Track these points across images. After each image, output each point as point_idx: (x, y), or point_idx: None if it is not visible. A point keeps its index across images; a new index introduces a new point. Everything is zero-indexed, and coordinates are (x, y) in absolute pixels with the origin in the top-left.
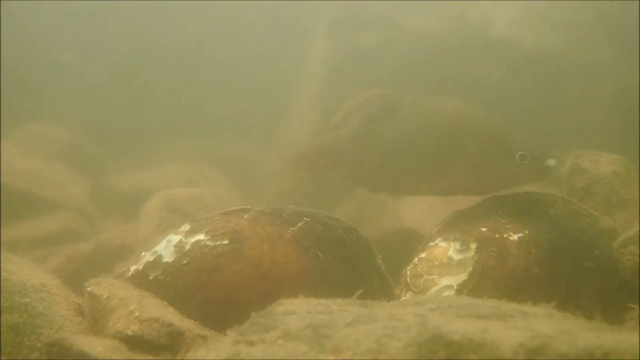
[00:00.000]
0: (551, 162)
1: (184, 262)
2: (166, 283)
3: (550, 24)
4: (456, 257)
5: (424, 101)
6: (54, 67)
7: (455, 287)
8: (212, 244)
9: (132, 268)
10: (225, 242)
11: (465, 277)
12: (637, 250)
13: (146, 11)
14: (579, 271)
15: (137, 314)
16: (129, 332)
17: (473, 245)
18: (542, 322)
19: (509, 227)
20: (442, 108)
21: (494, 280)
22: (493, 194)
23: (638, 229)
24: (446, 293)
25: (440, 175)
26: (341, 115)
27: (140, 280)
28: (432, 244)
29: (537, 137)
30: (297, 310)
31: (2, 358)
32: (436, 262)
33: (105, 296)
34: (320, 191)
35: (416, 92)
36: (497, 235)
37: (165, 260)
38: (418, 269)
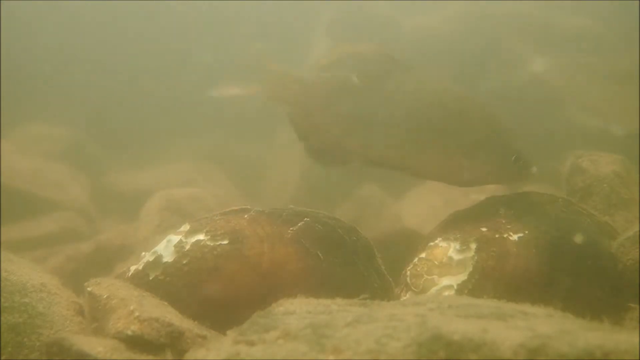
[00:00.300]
0: (535, 169)
1: (184, 262)
2: (166, 283)
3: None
4: (456, 257)
5: (426, 77)
6: (55, 67)
7: (455, 287)
8: (212, 244)
9: (132, 268)
10: (225, 242)
11: (465, 277)
12: (637, 250)
13: (146, 11)
14: (578, 271)
15: (137, 314)
16: (129, 332)
17: (473, 245)
18: (542, 322)
19: (509, 227)
20: (448, 90)
21: (494, 280)
22: (471, 186)
23: (638, 229)
24: (446, 293)
25: (427, 157)
26: (333, 58)
27: (140, 280)
28: (432, 244)
29: (533, 139)
30: (297, 310)
31: (2, 358)
32: (436, 262)
33: (105, 296)
34: (320, 191)
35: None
36: (497, 235)
37: (165, 260)
38: (418, 269)
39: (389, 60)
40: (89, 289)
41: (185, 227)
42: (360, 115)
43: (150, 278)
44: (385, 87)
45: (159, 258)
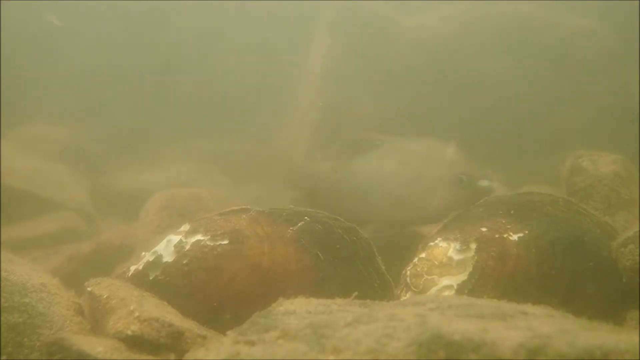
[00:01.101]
0: (483, 182)
1: (184, 262)
2: (166, 283)
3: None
4: (456, 257)
5: (398, 145)
6: (54, 66)
7: (455, 287)
8: (212, 244)
9: (132, 268)
10: (225, 242)
11: (465, 277)
12: (637, 250)
13: (146, 10)
14: (578, 271)
15: (137, 314)
16: (129, 332)
17: (473, 245)
18: (542, 322)
19: (509, 227)
20: (406, 152)
21: (494, 280)
22: (441, 220)
23: (638, 229)
24: (446, 293)
25: (398, 211)
26: (333, 149)
27: (140, 280)
28: (432, 244)
29: (536, 138)
30: (297, 310)
31: (2, 358)
32: (436, 262)
33: (105, 296)
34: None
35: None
36: (497, 235)
37: (165, 260)
38: (418, 269)
39: (370, 141)
40: (89, 289)
41: (185, 227)
42: (349, 190)
43: (150, 278)
44: (365, 165)
45: (159, 258)
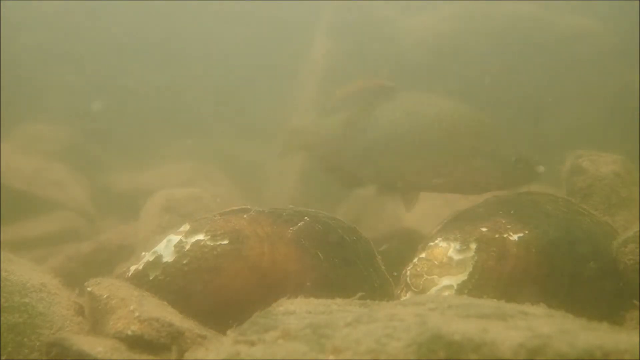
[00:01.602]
0: (541, 168)
1: (184, 262)
2: (166, 283)
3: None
4: (456, 257)
5: (422, 98)
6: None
7: (455, 287)
8: (212, 244)
9: (132, 268)
10: (225, 242)
11: (465, 277)
12: (638, 250)
13: (145, 10)
14: (579, 271)
15: (137, 314)
16: (129, 332)
17: (473, 245)
18: (542, 322)
19: (509, 227)
20: (438, 106)
21: (494, 280)
22: (483, 193)
23: (638, 229)
24: (446, 293)
25: (431, 173)
26: (338, 98)
27: (140, 280)
28: (432, 244)
29: (533, 138)
30: (297, 310)
31: (2, 358)
32: (436, 262)
33: (105, 296)
34: (320, 191)
35: (415, 89)
36: (497, 235)
37: (165, 260)
38: (418, 269)
39: (387, 89)
40: (89, 289)
41: (185, 227)
42: (363, 147)
43: (150, 278)
44: (384, 118)
45: (159, 258)
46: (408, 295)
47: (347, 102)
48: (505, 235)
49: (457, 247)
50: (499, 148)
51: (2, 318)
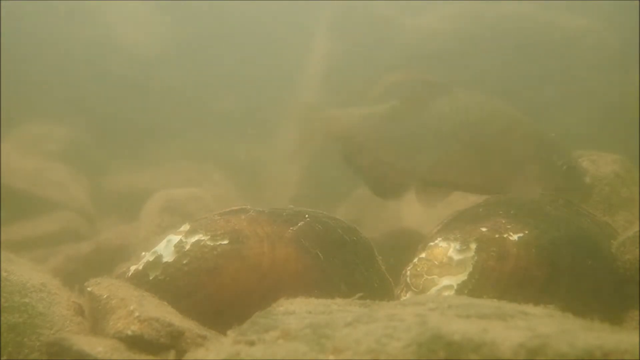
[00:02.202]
0: (588, 179)
1: (184, 262)
2: (166, 283)
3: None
4: (456, 257)
5: (475, 97)
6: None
7: (455, 287)
8: (212, 244)
9: (132, 268)
10: (225, 242)
11: (465, 277)
12: (637, 250)
13: (144, 10)
14: (578, 271)
15: (137, 314)
16: (129, 332)
17: (473, 245)
18: (542, 322)
19: (509, 227)
20: (493, 107)
21: (494, 280)
22: (526, 194)
23: (638, 229)
24: (446, 293)
25: (480, 174)
26: (378, 91)
27: (140, 280)
28: (432, 244)
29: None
30: (297, 310)
31: (2, 358)
32: (436, 262)
33: (105, 296)
34: (320, 191)
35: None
36: (497, 235)
37: (165, 260)
38: (418, 269)
39: (432, 85)
40: (89, 289)
41: (185, 227)
42: (412, 140)
43: (150, 278)
44: (433, 111)
45: (159, 258)
46: (408, 295)
47: (390, 93)
48: (505, 235)
49: (457, 247)
50: (550, 155)
51: (2, 318)
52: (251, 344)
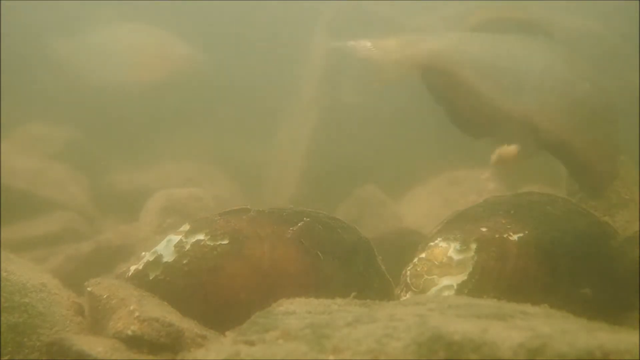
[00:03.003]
0: (619, 172)
1: (184, 262)
2: (166, 283)
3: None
4: (456, 257)
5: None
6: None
7: (455, 287)
8: (212, 244)
9: (132, 268)
10: (225, 242)
11: (465, 277)
12: (637, 250)
13: (144, 10)
14: (578, 271)
15: (137, 314)
16: (129, 332)
17: (473, 245)
18: (542, 322)
19: (509, 227)
20: (594, 73)
21: (494, 280)
22: (603, 186)
23: (638, 229)
24: (446, 293)
25: (590, 139)
26: (474, 23)
27: (140, 280)
28: (432, 244)
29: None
30: (297, 310)
31: (2, 358)
32: (436, 262)
33: (105, 296)
34: (320, 191)
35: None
36: (497, 235)
37: (165, 260)
38: (418, 269)
39: (531, 24)
40: (89, 289)
41: (185, 227)
42: (522, 78)
43: (150, 278)
44: (538, 52)
45: (159, 258)
46: (408, 295)
47: (486, 27)
48: (505, 235)
49: (457, 247)
50: (614, 137)
51: (2, 318)
52: (251, 344)
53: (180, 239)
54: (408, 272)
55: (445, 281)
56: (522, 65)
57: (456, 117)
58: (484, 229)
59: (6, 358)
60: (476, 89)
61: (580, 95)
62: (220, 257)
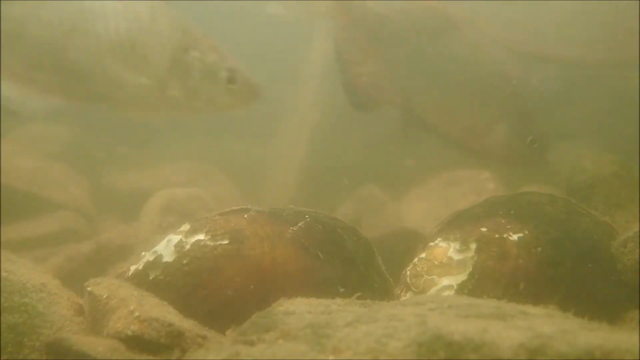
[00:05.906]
0: (550, 157)
1: (184, 262)
2: (166, 283)
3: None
4: (456, 257)
5: (479, 42)
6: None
7: (455, 287)
8: (212, 244)
9: (132, 268)
10: (226, 242)
11: (465, 277)
12: (637, 250)
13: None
14: (578, 271)
15: (137, 314)
16: (129, 332)
17: (473, 245)
18: (542, 322)
19: (509, 227)
20: (492, 57)
21: (494, 280)
22: (483, 159)
23: (638, 229)
24: (446, 293)
25: (458, 119)
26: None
27: (140, 280)
28: (432, 244)
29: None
30: (297, 310)
31: (2, 358)
32: (436, 262)
33: (105, 296)
34: (320, 191)
35: None
36: (497, 235)
37: (165, 260)
38: (418, 269)
39: (448, 19)
40: (89, 289)
41: (185, 227)
42: (408, 62)
43: (150, 278)
44: (439, 43)
45: (159, 258)
46: (408, 295)
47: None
48: (505, 235)
49: (457, 247)
50: (521, 122)
51: (2, 318)
52: (251, 344)
53: (180, 239)
54: (408, 272)
55: (445, 281)
56: (412, 54)
57: (348, 87)
58: (483, 229)
59: (6, 358)
60: (368, 68)
61: (454, 83)
62: (221, 257)
